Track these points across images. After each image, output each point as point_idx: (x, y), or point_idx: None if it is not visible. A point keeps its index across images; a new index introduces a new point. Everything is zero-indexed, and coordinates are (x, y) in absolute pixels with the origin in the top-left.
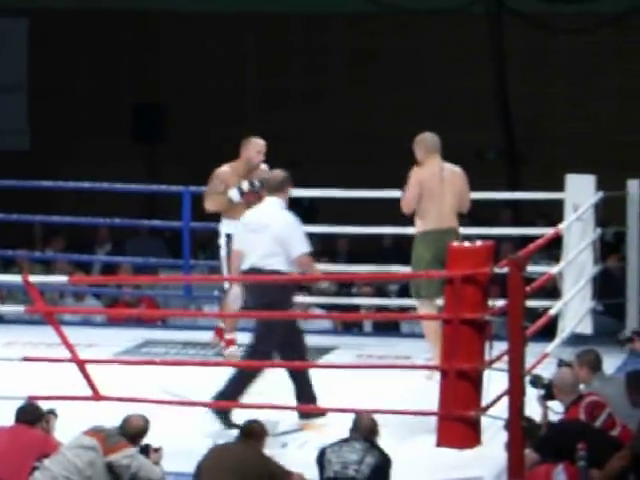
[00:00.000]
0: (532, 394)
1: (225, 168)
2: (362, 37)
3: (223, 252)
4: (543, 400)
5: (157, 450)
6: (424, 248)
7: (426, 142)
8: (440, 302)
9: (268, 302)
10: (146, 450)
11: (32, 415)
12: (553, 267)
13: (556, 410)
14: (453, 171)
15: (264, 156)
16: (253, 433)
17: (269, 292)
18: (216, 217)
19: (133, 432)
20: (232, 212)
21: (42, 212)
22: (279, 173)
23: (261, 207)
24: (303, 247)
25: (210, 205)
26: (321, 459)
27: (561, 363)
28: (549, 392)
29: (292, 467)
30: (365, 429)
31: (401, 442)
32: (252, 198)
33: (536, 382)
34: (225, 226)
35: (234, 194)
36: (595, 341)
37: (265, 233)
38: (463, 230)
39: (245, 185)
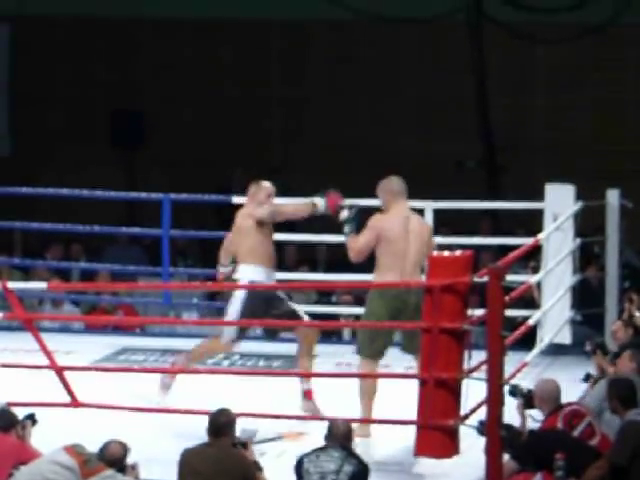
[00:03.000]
0: (511, 403)
1: (251, 212)
2: (341, 46)
3: (237, 307)
4: (522, 409)
5: (134, 467)
6: (380, 305)
7: (391, 185)
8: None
9: None
10: (123, 469)
11: (6, 421)
12: (530, 277)
13: (536, 418)
14: (421, 223)
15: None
16: (221, 428)
17: None
18: (195, 225)
19: (112, 459)
20: (253, 257)
21: (21, 218)
22: None
23: None
24: None
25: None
26: (299, 469)
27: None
28: (529, 401)
29: (270, 476)
30: (340, 435)
31: (379, 451)
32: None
33: (515, 392)
34: (249, 272)
35: (321, 202)
36: (574, 351)
37: None
38: (442, 240)
39: (344, 214)
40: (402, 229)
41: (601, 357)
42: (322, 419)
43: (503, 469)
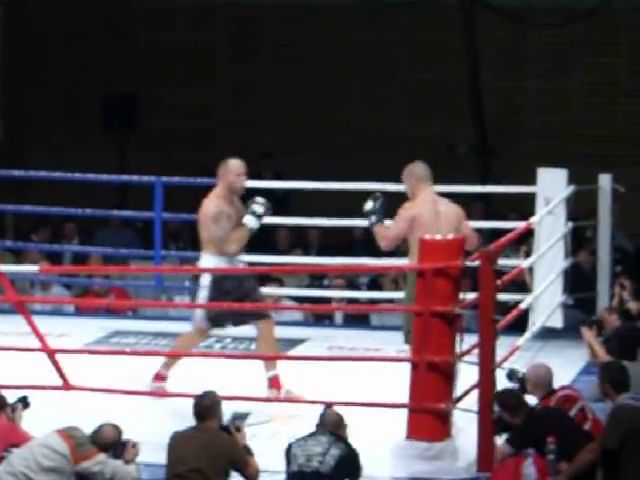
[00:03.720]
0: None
1: (217, 203)
2: (334, 28)
3: (205, 293)
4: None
5: (134, 446)
6: None
7: (417, 170)
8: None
9: None
10: (124, 446)
11: None
12: (522, 261)
13: (531, 403)
14: (449, 206)
15: (245, 177)
16: (206, 411)
17: None
18: (187, 208)
19: (104, 443)
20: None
21: (13, 201)
22: None
23: None
24: None
25: (238, 245)
26: (287, 453)
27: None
28: (523, 386)
29: (261, 458)
30: (330, 424)
31: (371, 434)
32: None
33: (512, 376)
34: (211, 263)
35: (252, 222)
36: (565, 335)
37: None
38: None
39: (260, 209)
40: (432, 215)
41: (593, 335)
42: (313, 403)
43: (496, 453)
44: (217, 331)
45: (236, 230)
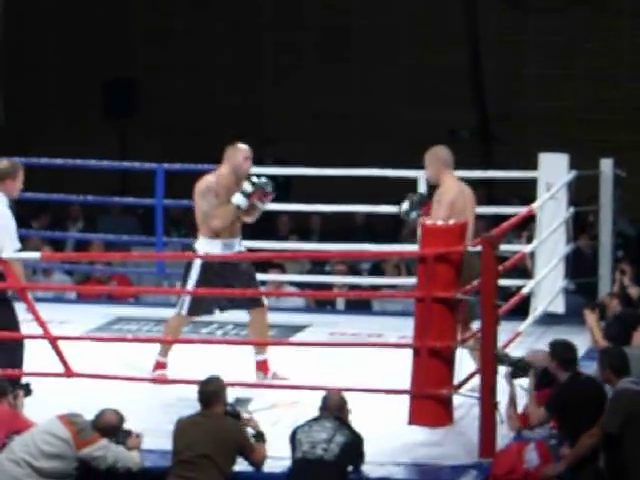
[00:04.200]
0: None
1: (211, 179)
2: (335, 14)
3: (195, 274)
4: (510, 378)
5: (138, 436)
6: None
7: (442, 154)
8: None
9: None
10: (127, 435)
11: None
12: (524, 246)
13: (525, 387)
14: (468, 189)
15: (251, 162)
16: (211, 396)
17: None
18: (188, 194)
19: (106, 427)
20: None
21: None
22: (3, 163)
23: None
24: (12, 246)
25: (221, 221)
26: (292, 439)
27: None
28: (516, 370)
29: (266, 444)
30: (334, 407)
31: (373, 420)
32: (257, 198)
33: (502, 359)
34: (205, 245)
35: (240, 200)
36: (567, 320)
37: None
38: None
39: (248, 187)
40: (464, 199)
41: (596, 318)
42: (316, 388)
43: (532, 417)
44: (204, 317)
45: (222, 207)
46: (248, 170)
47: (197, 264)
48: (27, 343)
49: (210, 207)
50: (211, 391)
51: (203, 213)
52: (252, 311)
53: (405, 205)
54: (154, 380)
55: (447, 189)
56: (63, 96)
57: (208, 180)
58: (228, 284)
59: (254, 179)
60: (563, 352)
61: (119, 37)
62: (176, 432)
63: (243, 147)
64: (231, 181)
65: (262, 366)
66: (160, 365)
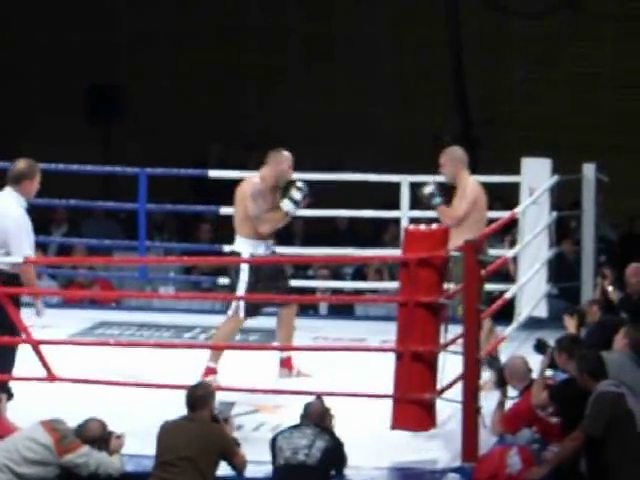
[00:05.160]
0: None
1: (258, 182)
2: (318, 18)
3: (245, 276)
4: (495, 385)
5: (119, 437)
6: None
7: (459, 154)
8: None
9: None
10: (108, 437)
11: None
12: (507, 251)
13: (509, 395)
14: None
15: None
16: (198, 400)
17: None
18: (171, 199)
19: (90, 437)
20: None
21: None
22: (20, 163)
23: None
24: (24, 252)
25: (271, 226)
26: (273, 446)
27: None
28: (500, 378)
29: (247, 448)
30: (315, 415)
31: (356, 424)
32: (303, 205)
33: (492, 363)
34: (249, 246)
35: (290, 207)
36: (550, 325)
37: None
38: (420, 214)
39: (297, 195)
40: (484, 197)
41: (574, 324)
42: (298, 393)
43: (534, 397)
44: (251, 321)
45: (272, 212)
46: (289, 178)
47: (245, 267)
48: None
49: (261, 211)
50: (199, 395)
51: (253, 216)
52: (285, 307)
53: (429, 189)
54: (135, 384)
55: (470, 186)
56: (47, 100)
57: (256, 183)
58: (274, 284)
59: (299, 185)
60: (571, 346)
61: (103, 42)
62: (160, 434)
63: (288, 155)
64: (270, 186)
65: (286, 363)
66: (211, 371)
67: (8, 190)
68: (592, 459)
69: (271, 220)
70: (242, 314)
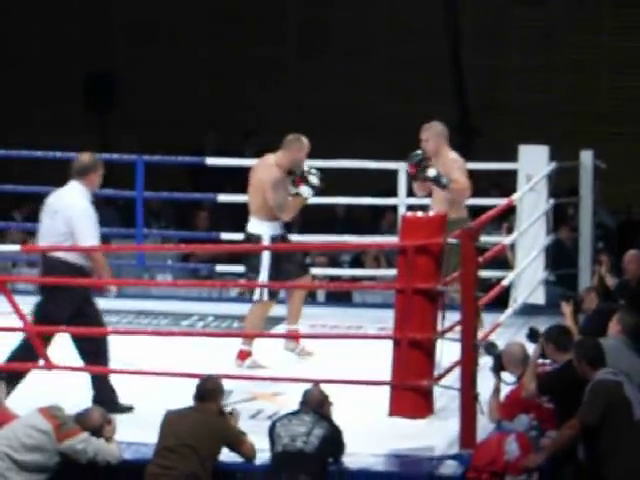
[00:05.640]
0: (486, 362)
1: (277, 170)
2: (313, 6)
3: (267, 259)
4: (495, 369)
5: (110, 422)
6: None
7: (441, 129)
8: None
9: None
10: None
11: None
12: (504, 238)
13: (507, 381)
14: None
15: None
16: (207, 394)
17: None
18: (168, 186)
19: (90, 427)
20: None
21: None
22: (84, 156)
23: (60, 191)
24: (92, 240)
25: (292, 213)
26: (271, 433)
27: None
28: (498, 363)
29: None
30: (314, 402)
31: (353, 412)
32: (318, 190)
33: (490, 350)
34: (269, 228)
35: (308, 192)
36: (547, 311)
37: (54, 219)
38: (415, 200)
39: (314, 180)
40: None
41: (570, 310)
42: (296, 381)
43: (524, 387)
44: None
45: (292, 199)
46: (303, 164)
47: (266, 254)
48: (7, 335)
49: (283, 199)
50: (208, 389)
51: (275, 205)
52: (302, 278)
53: (432, 172)
54: (133, 372)
55: (456, 157)
56: (44, 89)
57: (275, 172)
58: (293, 264)
59: (313, 171)
60: (559, 336)
61: (101, 31)
62: (164, 422)
63: (306, 142)
64: (285, 172)
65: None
66: (246, 354)
67: (73, 183)
68: (589, 447)
69: (293, 207)
70: (266, 297)
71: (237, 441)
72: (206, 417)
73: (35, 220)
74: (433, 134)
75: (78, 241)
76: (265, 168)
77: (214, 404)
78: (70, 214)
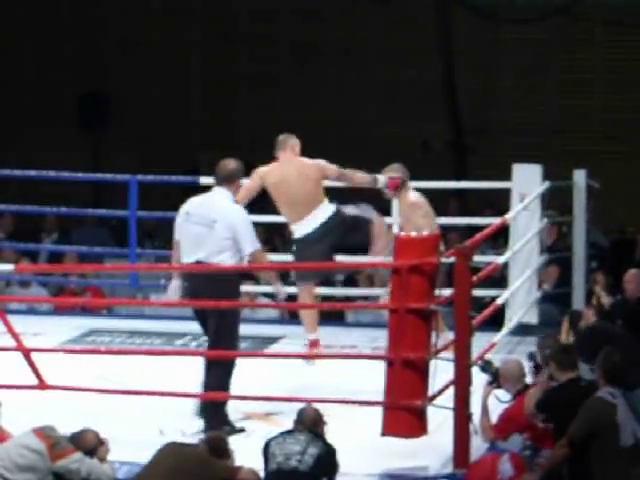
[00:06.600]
0: (480, 381)
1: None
2: (307, 25)
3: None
4: (489, 386)
5: (103, 443)
6: None
7: (404, 169)
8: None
9: (217, 296)
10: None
11: None
12: (500, 257)
13: (501, 399)
14: None
15: None
16: (214, 449)
17: (219, 287)
18: (162, 206)
19: (84, 448)
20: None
21: None
22: (230, 162)
23: (208, 198)
24: (255, 244)
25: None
26: (266, 452)
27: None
28: (496, 380)
29: (238, 456)
30: (309, 421)
31: (347, 431)
32: None
33: (486, 368)
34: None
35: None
36: (541, 331)
37: (214, 228)
38: None
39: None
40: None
41: (569, 325)
42: (290, 400)
43: (527, 406)
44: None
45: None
46: None
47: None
48: (0, 355)
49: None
50: (217, 448)
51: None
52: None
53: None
54: (126, 392)
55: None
56: (38, 107)
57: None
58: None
59: None
60: (560, 355)
61: (93, 50)
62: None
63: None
64: None
65: (314, 345)
66: (315, 343)
67: (220, 190)
68: (574, 465)
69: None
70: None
71: (229, 471)
72: (192, 452)
73: (28, 240)
74: (399, 173)
75: (240, 244)
76: (311, 167)
77: (221, 461)
78: (231, 219)
